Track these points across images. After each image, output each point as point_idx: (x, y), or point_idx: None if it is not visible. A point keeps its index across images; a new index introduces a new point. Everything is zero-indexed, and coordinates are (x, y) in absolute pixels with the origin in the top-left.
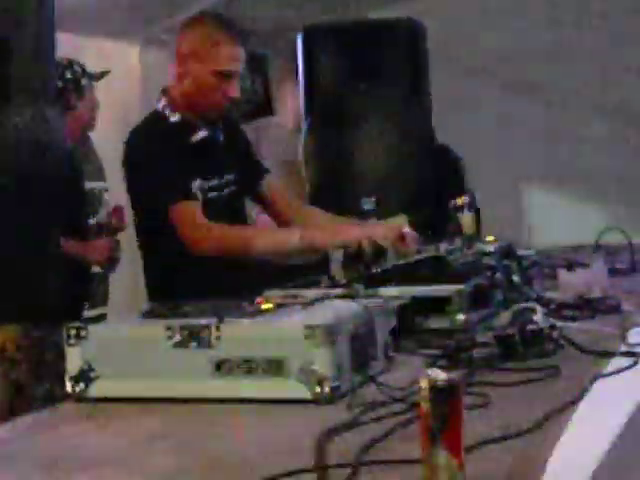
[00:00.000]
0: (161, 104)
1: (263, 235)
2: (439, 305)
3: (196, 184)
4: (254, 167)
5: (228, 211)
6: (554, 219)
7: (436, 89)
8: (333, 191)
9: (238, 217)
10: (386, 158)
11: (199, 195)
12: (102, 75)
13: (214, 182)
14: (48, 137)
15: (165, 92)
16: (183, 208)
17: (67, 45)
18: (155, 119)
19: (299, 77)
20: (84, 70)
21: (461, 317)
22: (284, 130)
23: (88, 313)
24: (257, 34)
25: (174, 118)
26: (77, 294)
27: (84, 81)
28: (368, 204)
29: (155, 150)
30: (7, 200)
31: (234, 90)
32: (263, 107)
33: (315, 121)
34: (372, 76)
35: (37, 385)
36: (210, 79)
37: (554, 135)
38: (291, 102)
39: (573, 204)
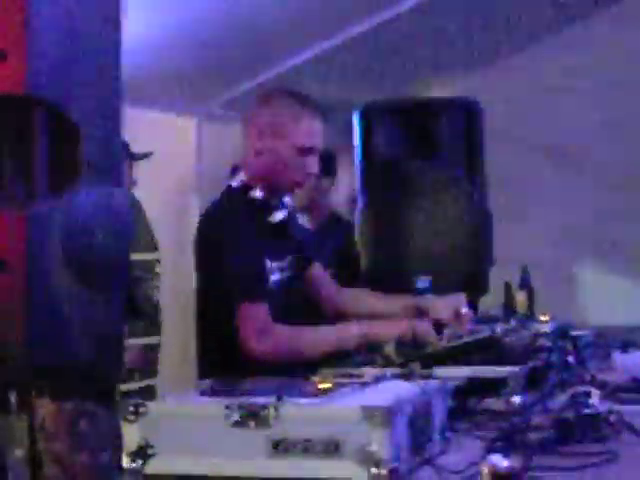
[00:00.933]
0: (238, 180)
1: (325, 337)
2: (494, 386)
3: (271, 265)
4: (305, 253)
5: (294, 292)
6: (607, 298)
7: (489, 165)
8: (389, 269)
9: (299, 298)
10: (442, 236)
11: (271, 287)
12: (144, 156)
13: (284, 263)
14: (115, 218)
15: (240, 168)
16: (254, 310)
17: (124, 118)
18: (235, 196)
19: (353, 154)
20: (127, 149)
21: (517, 399)
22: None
23: (137, 384)
24: None
25: (257, 195)
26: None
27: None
28: (422, 283)
29: (237, 232)
30: (72, 280)
31: (314, 166)
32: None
33: (370, 199)
34: (428, 154)
35: (75, 456)
36: (291, 155)
37: (608, 212)
38: (346, 180)
39: (627, 283)
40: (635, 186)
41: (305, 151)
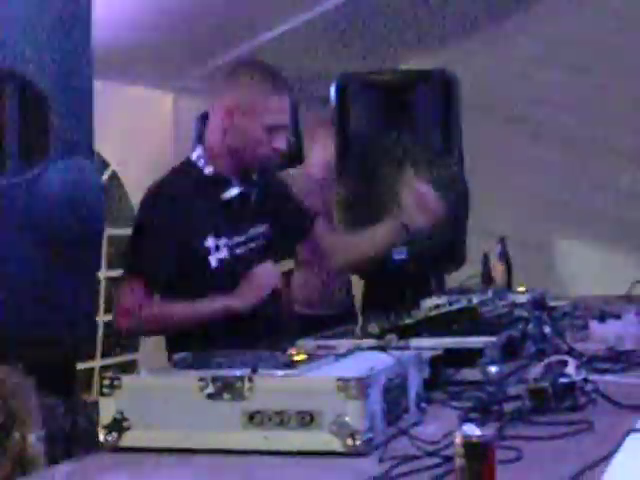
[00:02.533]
0: (196, 154)
1: (183, 311)
2: (471, 357)
3: (210, 241)
4: (303, 215)
5: (256, 265)
6: (585, 269)
7: (467, 137)
8: None
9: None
10: None
11: (214, 266)
12: None
13: (242, 238)
14: (83, 188)
15: (202, 141)
16: (126, 289)
17: (100, 93)
18: (187, 169)
19: (331, 125)
20: None
21: (493, 369)
22: (312, 180)
23: (117, 359)
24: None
25: (208, 170)
26: None
27: None
28: (399, 254)
29: (155, 206)
30: (42, 251)
31: (283, 142)
32: (294, 155)
33: (347, 170)
34: (405, 126)
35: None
36: (260, 133)
37: (586, 184)
38: (321, 151)
39: (605, 254)
40: (611, 156)
41: (274, 129)
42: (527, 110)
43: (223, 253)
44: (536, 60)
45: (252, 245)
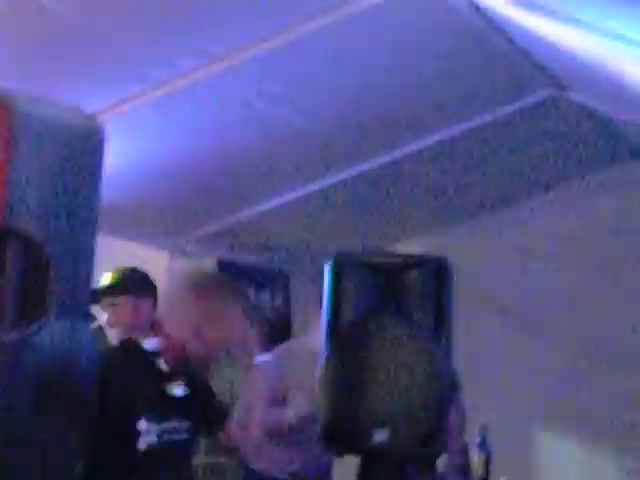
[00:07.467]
0: (151, 344)
1: None
2: None
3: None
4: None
5: (178, 456)
6: (565, 465)
7: (456, 324)
8: (346, 422)
9: (186, 462)
10: (402, 395)
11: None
12: None
13: (170, 425)
14: (76, 350)
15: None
16: None
17: (100, 246)
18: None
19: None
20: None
21: None
22: (314, 353)
23: None
24: (281, 250)
25: (162, 366)
26: None
27: None
28: (380, 435)
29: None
30: (32, 405)
31: None
32: (283, 326)
33: (334, 350)
34: (397, 310)
35: None
36: None
37: (573, 380)
38: (319, 324)
39: (586, 453)
40: (598, 355)
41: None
42: (516, 300)
43: (152, 437)
44: (527, 251)
45: (180, 436)
